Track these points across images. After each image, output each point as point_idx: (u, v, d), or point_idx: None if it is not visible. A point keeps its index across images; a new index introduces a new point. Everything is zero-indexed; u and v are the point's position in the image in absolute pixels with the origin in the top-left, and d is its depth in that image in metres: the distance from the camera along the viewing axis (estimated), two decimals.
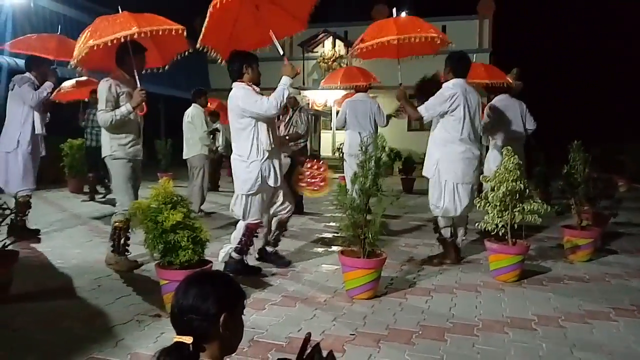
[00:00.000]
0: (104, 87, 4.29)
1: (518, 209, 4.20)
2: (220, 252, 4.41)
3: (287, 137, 7.51)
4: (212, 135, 7.26)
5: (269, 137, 4.23)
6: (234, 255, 4.30)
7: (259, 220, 4.31)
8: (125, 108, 4.26)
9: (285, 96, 4.12)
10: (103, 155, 4.47)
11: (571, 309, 3.56)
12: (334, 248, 5.25)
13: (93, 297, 3.68)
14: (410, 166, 11.87)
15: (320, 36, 16.80)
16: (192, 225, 3.30)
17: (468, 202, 4.66)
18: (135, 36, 4.02)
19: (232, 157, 4.35)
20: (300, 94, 8.11)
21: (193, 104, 7.19)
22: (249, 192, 4.20)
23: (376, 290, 3.79)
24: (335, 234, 5.62)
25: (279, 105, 4.06)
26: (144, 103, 4.32)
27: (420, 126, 10.69)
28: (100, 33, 3.98)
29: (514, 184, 4.11)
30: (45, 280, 4.11)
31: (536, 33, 23.51)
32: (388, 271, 4.34)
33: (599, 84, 23.64)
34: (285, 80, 4.17)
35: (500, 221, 4.21)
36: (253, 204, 4.25)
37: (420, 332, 3.12)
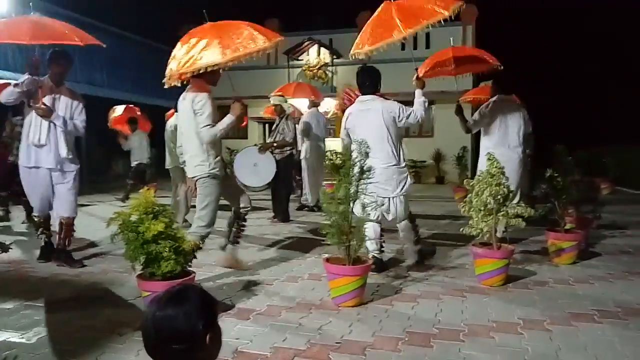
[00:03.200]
0: (209, 102, 4.11)
1: (502, 213, 4.21)
2: (407, 252, 4.83)
3: (274, 145, 7.53)
4: None
5: None
6: (419, 246, 4.78)
7: None
8: (228, 120, 4.16)
9: (426, 107, 4.61)
10: (197, 175, 4.23)
11: (556, 312, 3.56)
12: (320, 256, 5.23)
13: (74, 310, 3.61)
14: None
15: (305, 44, 16.81)
16: (174, 235, 3.26)
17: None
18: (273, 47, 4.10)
19: (384, 166, 4.46)
20: (286, 101, 8.11)
21: (175, 113, 7.12)
22: (408, 192, 4.59)
23: (362, 297, 3.77)
24: (321, 242, 5.60)
25: (424, 115, 4.59)
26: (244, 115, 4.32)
27: (406, 133, 10.79)
28: (236, 46, 3.91)
29: (497, 188, 4.12)
30: (25, 294, 4.02)
31: (519, 38, 23.79)
32: (374, 277, 4.32)
33: (582, 87, 23.96)
34: (419, 92, 4.60)
35: (484, 226, 4.22)
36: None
37: (406, 339, 3.10)
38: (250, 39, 3.98)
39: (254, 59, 4.56)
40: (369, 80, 4.63)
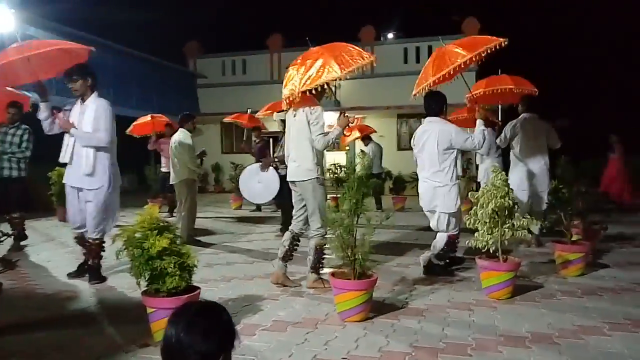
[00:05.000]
0: (322, 114, 4.56)
1: (508, 225, 4.19)
2: (420, 258, 5.07)
3: (276, 160, 7.55)
4: (200, 160, 7.21)
5: None
6: (435, 260, 4.98)
7: (458, 231, 5.00)
8: (337, 130, 4.63)
9: (485, 135, 4.98)
10: (304, 179, 4.53)
11: (565, 325, 3.53)
12: (325, 270, 5.20)
13: (80, 327, 3.60)
14: (400, 185, 11.89)
15: None
16: (178, 251, 3.25)
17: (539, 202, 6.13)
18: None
19: (426, 183, 5.00)
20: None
21: (180, 129, 7.16)
22: (453, 211, 4.91)
23: (368, 312, 3.74)
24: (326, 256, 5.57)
25: (482, 143, 4.95)
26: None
27: (409, 146, 10.84)
28: (349, 62, 4.33)
29: (502, 200, 4.11)
30: (31, 311, 4.02)
31: (521, 50, 23.88)
32: (380, 292, 4.29)
33: (587, 97, 23.93)
34: (480, 122, 5.02)
35: (490, 238, 4.20)
36: (455, 217, 4.96)
37: (413, 354, 3.07)
38: (359, 55, 4.44)
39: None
40: (434, 103, 5.10)
